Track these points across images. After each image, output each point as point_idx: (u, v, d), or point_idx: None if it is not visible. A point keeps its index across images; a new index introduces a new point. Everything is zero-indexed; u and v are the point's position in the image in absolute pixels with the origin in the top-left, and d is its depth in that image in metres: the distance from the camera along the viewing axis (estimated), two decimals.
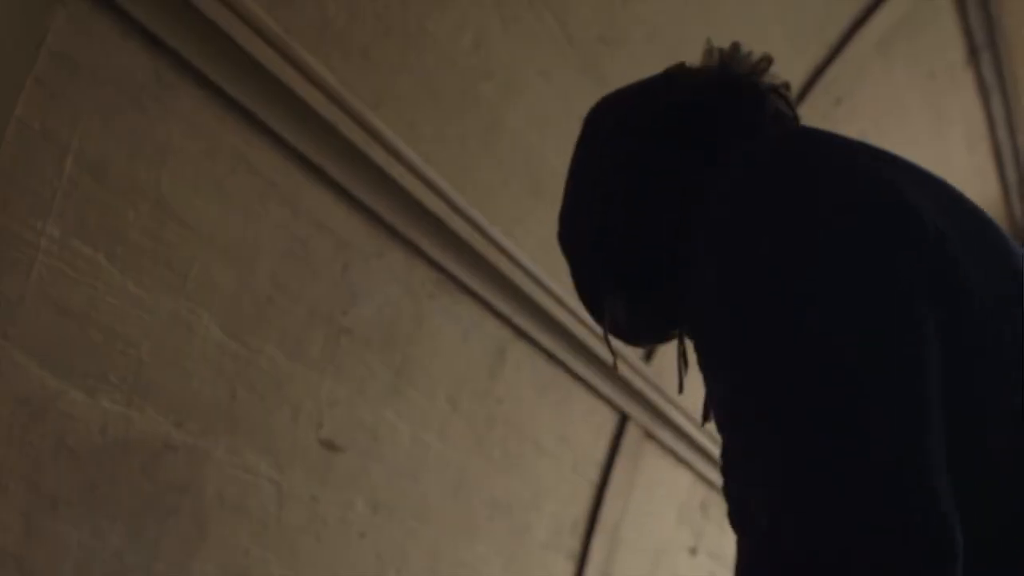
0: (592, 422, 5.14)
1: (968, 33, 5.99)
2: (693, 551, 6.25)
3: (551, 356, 4.75)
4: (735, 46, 2.00)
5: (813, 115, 5.38)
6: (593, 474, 5.25)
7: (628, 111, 1.99)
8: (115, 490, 3.17)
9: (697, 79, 1.96)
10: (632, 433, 5.32)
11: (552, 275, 4.46)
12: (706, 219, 1.55)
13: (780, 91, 1.97)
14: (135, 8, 2.93)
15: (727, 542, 6.45)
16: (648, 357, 5.30)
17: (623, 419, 5.32)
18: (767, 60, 2.00)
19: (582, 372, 4.93)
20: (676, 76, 2.01)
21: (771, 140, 1.69)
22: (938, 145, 6.49)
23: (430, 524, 4.31)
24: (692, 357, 1.65)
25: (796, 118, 1.97)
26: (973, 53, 6.11)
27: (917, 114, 6.18)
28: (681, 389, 1.98)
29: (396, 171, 3.71)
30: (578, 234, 1.99)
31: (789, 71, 5.20)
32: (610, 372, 5.03)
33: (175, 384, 3.28)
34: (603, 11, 4.27)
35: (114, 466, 3.15)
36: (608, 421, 5.27)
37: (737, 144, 1.72)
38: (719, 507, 6.19)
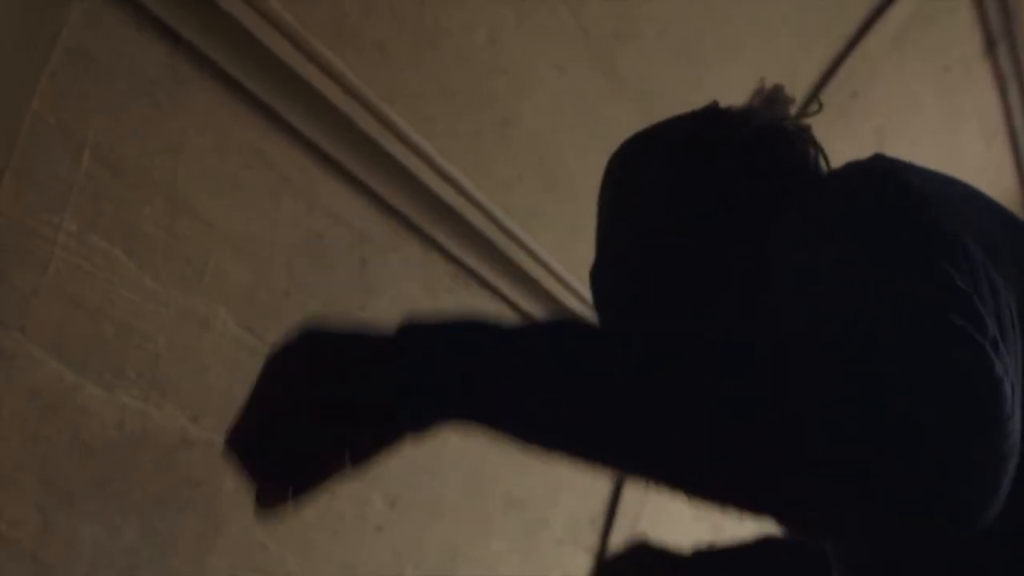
0: None
1: (985, 23, 5.96)
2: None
3: None
4: (778, 88, 1.99)
5: (828, 109, 5.35)
6: None
7: (678, 145, 1.94)
8: (131, 485, 3.16)
9: (747, 121, 1.92)
10: None
11: (570, 269, 4.44)
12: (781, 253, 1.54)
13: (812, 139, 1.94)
14: (150, 2, 2.93)
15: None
16: None
17: None
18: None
19: None
20: (724, 117, 1.96)
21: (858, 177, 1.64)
22: (953, 140, 6.46)
23: (447, 519, 4.30)
24: None
25: (826, 159, 1.92)
26: (990, 45, 6.08)
27: (932, 108, 6.16)
28: None
29: (413, 164, 3.70)
30: (621, 266, 1.93)
31: (804, 65, 5.20)
32: None
33: (192, 379, 3.28)
34: (617, 5, 4.25)
35: (130, 461, 3.15)
36: None
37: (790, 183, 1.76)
38: None
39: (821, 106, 1.96)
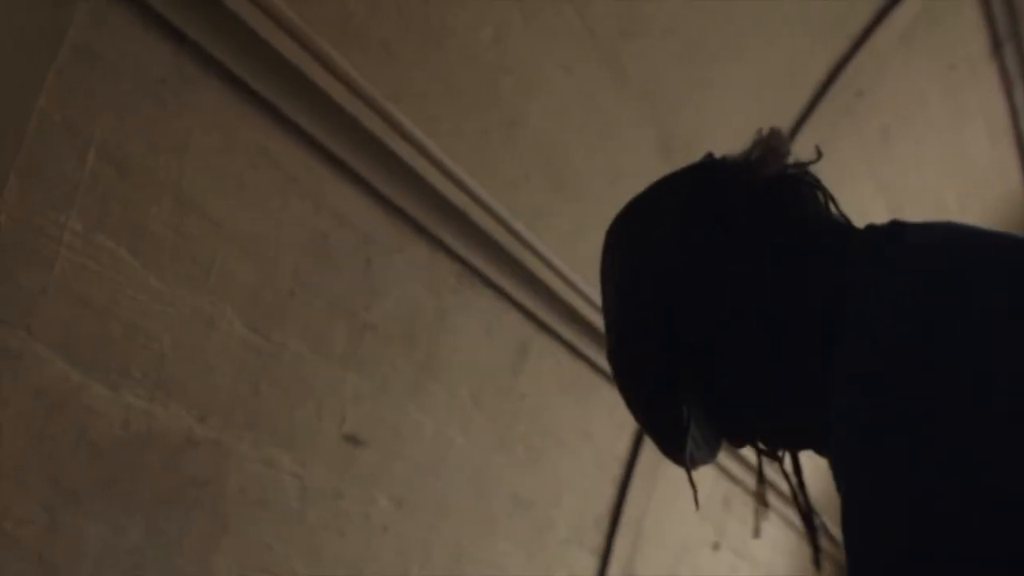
0: (615, 417, 5.12)
1: (991, 24, 5.96)
2: (716, 547, 6.24)
3: (574, 350, 4.74)
4: (776, 133, 1.91)
5: (835, 108, 5.36)
6: (616, 469, 5.23)
7: (687, 201, 1.86)
8: (136, 485, 3.16)
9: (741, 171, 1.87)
10: None
11: (575, 269, 4.44)
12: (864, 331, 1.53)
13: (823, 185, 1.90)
14: (156, 1, 2.92)
15: (749, 538, 6.44)
16: None
17: None
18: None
19: (605, 366, 4.91)
20: (723, 169, 1.90)
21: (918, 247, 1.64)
22: (959, 138, 6.46)
23: (453, 520, 4.30)
24: None
25: (835, 203, 1.89)
26: (997, 46, 6.08)
27: (938, 107, 6.16)
28: (758, 534, 1.97)
29: (419, 164, 3.70)
30: (645, 334, 1.84)
31: (811, 64, 5.20)
32: None
33: (198, 378, 3.28)
34: (623, 4, 4.25)
35: (136, 460, 3.15)
36: (631, 416, 5.25)
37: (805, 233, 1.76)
38: (742, 502, 6.18)
39: (820, 155, 1.92)
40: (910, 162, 6.08)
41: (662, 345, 1.80)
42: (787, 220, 1.78)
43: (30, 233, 2.77)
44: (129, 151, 2.97)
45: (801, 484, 1.91)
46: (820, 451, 1.74)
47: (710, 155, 1.93)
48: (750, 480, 5.70)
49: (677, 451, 1.85)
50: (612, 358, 1.94)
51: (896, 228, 1.71)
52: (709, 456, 1.90)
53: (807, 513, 1.91)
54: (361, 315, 3.75)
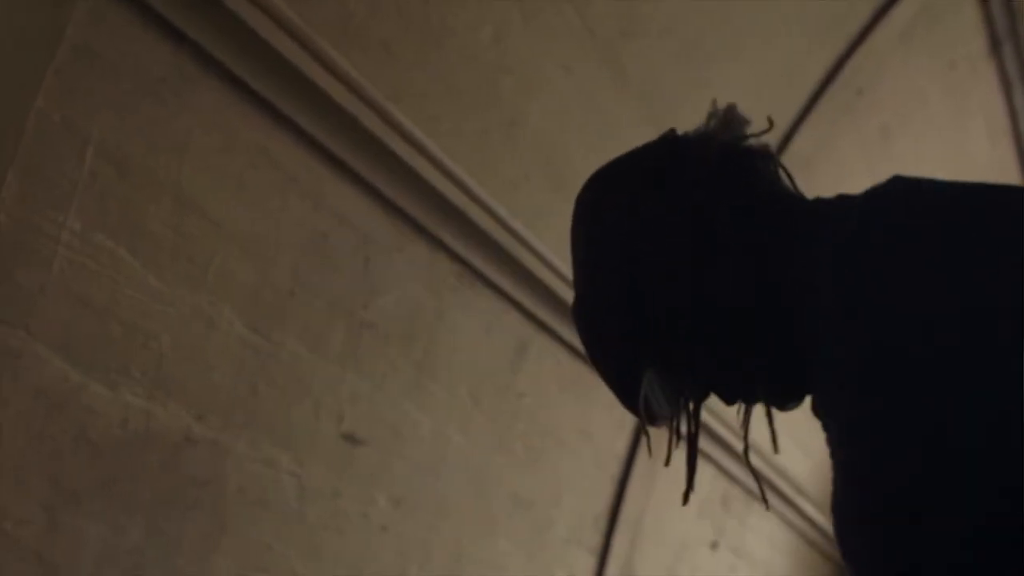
0: (613, 416, 5.12)
1: (990, 24, 5.96)
2: (714, 545, 6.24)
3: (573, 350, 4.74)
4: (732, 108, 1.97)
5: (834, 107, 5.37)
6: (615, 468, 5.23)
7: (652, 173, 1.93)
8: (135, 484, 3.16)
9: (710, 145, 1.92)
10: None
11: None
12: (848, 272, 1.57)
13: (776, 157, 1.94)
14: (156, 0, 2.93)
15: (748, 537, 6.44)
16: None
17: None
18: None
19: None
20: (683, 142, 1.97)
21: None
22: (959, 137, 6.47)
23: (452, 519, 4.30)
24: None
25: (790, 176, 1.93)
26: (995, 45, 6.08)
27: (938, 106, 6.16)
28: (668, 462, 2.02)
29: (418, 164, 3.70)
30: (608, 307, 1.92)
31: (810, 63, 5.20)
32: None
33: (196, 378, 3.28)
34: (622, 4, 4.25)
35: (135, 460, 3.15)
36: (629, 415, 5.25)
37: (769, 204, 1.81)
38: (740, 501, 6.18)
39: (771, 124, 1.94)
40: (909, 161, 6.07)
41: (624, 316, 1.87)
42: (743, 190, 1.83)
43: (29, 233, 2.77)
44: (128, 150, 2.97)
45: (746, 434, 1.99)
46: (775, 403, 1.84)
47: (672, 131, 1.99)
48: (749, 480, 5.71)
49: (633, 404, 1.93)
50: (576, 319, 2.03)
51: (845, 197, 1.74)
52: (668, 410, 1.96)
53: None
54: (360, 314, 3.75)
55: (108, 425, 3.06)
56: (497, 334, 4.35)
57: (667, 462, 2.03)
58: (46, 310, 2.85)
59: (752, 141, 1.92)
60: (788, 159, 5.26)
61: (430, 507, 4.19)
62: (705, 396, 1.92)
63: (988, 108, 6.54)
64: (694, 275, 1.78)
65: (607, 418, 5.09)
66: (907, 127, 5.92)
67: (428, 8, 3.63)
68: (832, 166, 5.49)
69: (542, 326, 4.53)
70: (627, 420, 5.26)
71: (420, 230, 3.86)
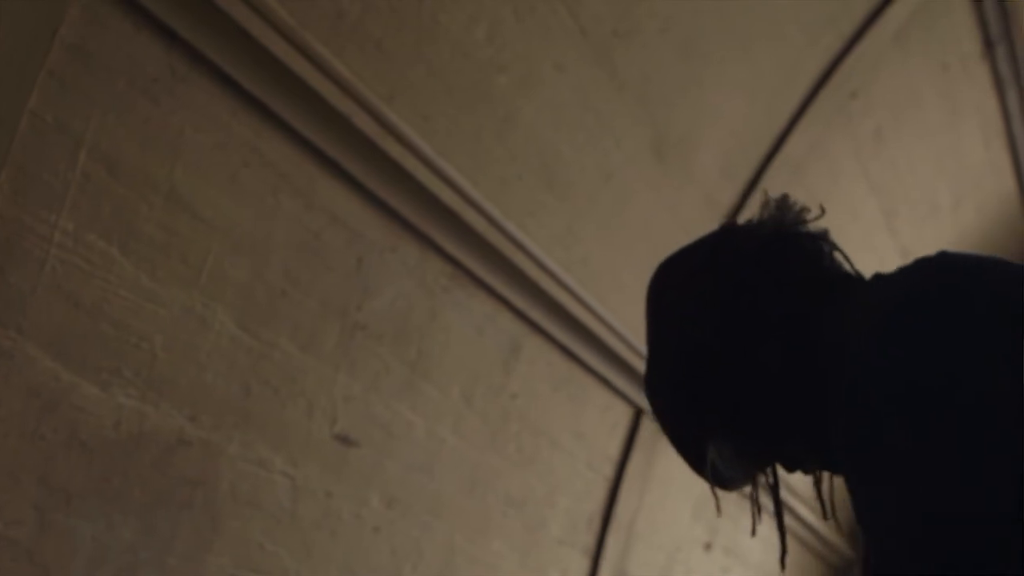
0: (607, 417, 5.13)
1: (983, 25, 5.96)
2: (708, 547, 6.24)
3: (566, 350, 4.74)
4: (784, 197, 2.10)
5: (828, 108, 5.37)
6: (608, 470, 5.23)
7: (705, 261, 2.08)
8: (128, 484, 3.16)
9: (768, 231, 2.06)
10: (647, 428, 5.30)
11: (567, 269, 4.45)
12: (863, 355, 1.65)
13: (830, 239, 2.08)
14: (148, 0, 2.92)
15: (741, 538, 6.44)
16: None
17: (638, 414, 5.30)
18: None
19: (597, 367, 4.92)
20: (736, 232, 2.11)
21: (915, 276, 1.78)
22: (953, 139, 6.47)
23: (445, 520, 4.30)
24: None
25: (843, 254, 2.06)
26: (988, 46, 6.08)
27: (932, 107, 6.16)
28: (754, 532, 2.14)
29: (410, 164, 3.70)
30: (671, 383, 2.07)
31: (805, 63, 5.20)
32: (625, 367, 5.02)
33: (189, 378, 3.27)
34: (616, 3, 4.25)
35: (127, 460, 3.14)
36: (623, 416, 5.26)
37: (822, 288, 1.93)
38: (734, 503, 6.18)
39: (823, 211, 2.08)
40: (903, 163, 6.08)
41: (685, 391, 2.03)
42: (788, 267, 1.98)
43: (21, 232, 2.77)
44: (120, 150, 2.97)
45: (778, 500, 2.16)
46: (833, 470, 1.97)
47: (731, 221, 2.18)
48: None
49: (701, 470, 2.11)
50: (648, 396, 2.19)
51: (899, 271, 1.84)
52: (741, 479, 2.13)
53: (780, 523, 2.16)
54: (352, 314, 3.75)
55: (100, 425, 3.05)
56: (490, 334, 4.35)
57: (753, 533, 2.18)
58: (38, 310, 2.85)
59: (805, 227, 2.06)
60: (781, 161, 5.27)
61: (423, 507, 4.19)
62: (770, 465, 2.08)
63: (982, 110, 6.54)
64: (740, 350, 1.94)
65: (600, 419, 5.10)
66: (900, 129, 5.92)
67: (421, 6, 3.62)
68: (825, 168, 5.49)
69: (535, 326, 4.53)
70: (620, 422, 5.27)
71: (413, 230, 3.86)
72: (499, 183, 4.12)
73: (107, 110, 2.92)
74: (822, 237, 2.03)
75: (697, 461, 2.09)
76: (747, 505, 5.78)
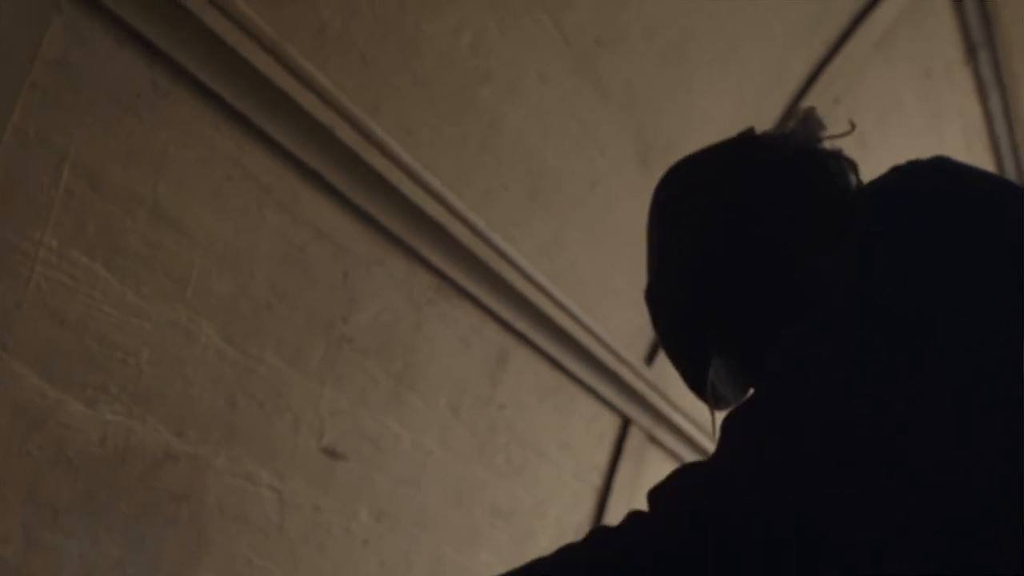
0: (594, 427, 5.12)
1: (965, 30, 5.98)
2: None
3: (552, 361, 4.73)
4: (811, 111, 2.07)
5: None
6: (596, 479, 5.23)
7: (724, 168, 2.04)
8: (115, 500, 3.15)
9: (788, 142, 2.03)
10: (635, 437, 5.30)
11: (552, 279, 4.44)
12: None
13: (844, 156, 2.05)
14: (130, 15, 2.91)
15: None
16: (649, 361, 5.28)
17: (625, 423, 5.30)
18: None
19: (584, 377, 4.92)
20: (759, 140, 2.07)
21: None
22: (936, 143, 6.48)
23: (433, 532, 4.29)
24: None
25: (858, 174, 2.03)
26: (971, 51, 6.10)
27: (915, 112, 6.18)
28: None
29: (395, 176, 3.69)
30: (677, 295, 2.04)
31: (789, 69, 5.20)
32: (612, 376, 5.02)
33: (175, 393, 3.26)
34: (600, 12, 4.25)
35: (114, 476, 3.13)
36: (610, 426, 5.25)
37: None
38: None
39: (853, 127, 2.06)
40: (887, 168, 6.08)
41: (691, 303, 2.00)
42: (808, 186, 1.94)
43: (5, 249, 2.76)
44: (105, 165, 2.96)
45: None
46: None
47: (750, 129, 2.10)
48: None
49: (700, 389, 2.05)
50: (648, 303, 2.13)
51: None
52: (733, 398, 2.09)
53: None
54: (338, 327, 3.74)
55: (87, 441, 3.04)
56: (476, 346, 4.34)
57: None
58: (23, 327, 2.84)
59: (827, 143, 2.02)
60: None
61: (411, 520, 4.18)
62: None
63: (964, 114, 6.56)
64: (760, 271, 1.89)
65: (587, 429, 5.09)
66: (884, 135, 5.93)
67: (404, 16, 3.62)
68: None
69: (521, 337, 4.52)
70: (607, 431, 5.26)
71: (398, 243, 3.86)
72: (484, 194, 4.12)
73: (90, 125, 2.91)
74: (842, 156, 2.01)
75: (696, 379, 2.04)
76: None
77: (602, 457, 5.25)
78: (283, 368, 3.57)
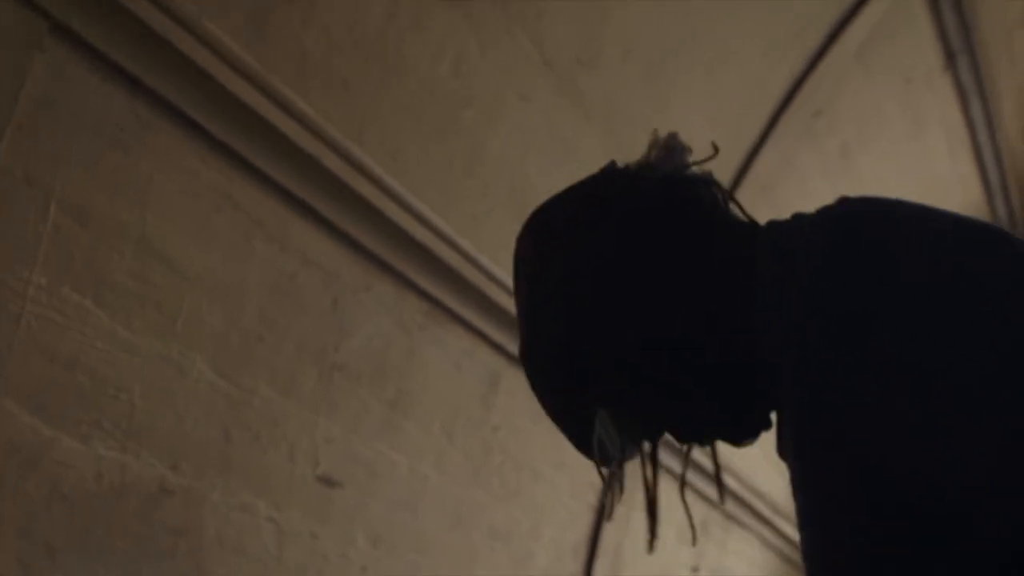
0: None
1: (944, 38, 6.00)
2: (695, 570, 6.23)
3: None
4: (673, 137, 1.94)
5: (794, 128, 5.38)
6: (591, 498, 5.22)
7: (585, 211, 1.88)
8: (112, 536, 3.14)
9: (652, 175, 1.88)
10: None
11: None
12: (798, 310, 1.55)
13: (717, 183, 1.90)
14: (112, 50, 2.92)
15: (727, 561, 6.44)
16: None
17: None
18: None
19: None
20: (624, 174, 1.91)
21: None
22: (919, 151, 6.50)
23: (431, 556, 4.29)
24: None
25: (736, 202, 1.89)
26: (950, 58, 6.12)
27: (896, 122, 6.19)
28: (652, 547, 2.04)
29: (382, 203, 3.69)
30: (554, 352, 1.88)
31: (769, 83, 5.22)
32: None
33: (169, 427, 3.26)
34: (579, 32, 4.26)
35: (110, 512, 3.13)
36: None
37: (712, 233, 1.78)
38: (719, 526, 6.18)
39: (716, 150, 1.92)
40: (871, 177, 6.10)
41: (570, 360, 1.84)
42: (687, 219, 1.79)
43: None
44: (91, 200, 2.96)
45: (717, 468, 2.05)
46: (728, 438, 1.86)
47: (611, 163, 1.93)
48: (729, 504, 5.71)
49: (586, 449, 1.94)
50: (524, 365, 1.97)
51: (800, 216, 1.72)
52: (623, 452, 1.95)
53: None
54: (330, 355, 3.74)
55: (82, 478, 3.04)
56: (468, 369, 4.34)
57: (648, 507, 2.04)
58: (15, 366, 2.83)
59: (695, 169, 1.89)
60: (751, 180, 5.28)
61: (409, 544, 4.18)
62: (659, 435, 1.92)
63: (946, 121, 6.57)
64: (639, 311, 1.75)
65: None
66: (867, 144, 5.94)
67: (386, 42, 3.62)
68: (794, 186, 5.50)
69: (513, 359, 4.52)
70: None
71: (387, 268, 3.86)
72: (470, 216, 4.12)
73: (76, 161, 2.92)
74: (713, 182, 1.87)
75: (580, 436, 1.93)
76: (732, 527, 5.71)
77: (597, 476, 5.24)
78: (276, 398, 3.57)
